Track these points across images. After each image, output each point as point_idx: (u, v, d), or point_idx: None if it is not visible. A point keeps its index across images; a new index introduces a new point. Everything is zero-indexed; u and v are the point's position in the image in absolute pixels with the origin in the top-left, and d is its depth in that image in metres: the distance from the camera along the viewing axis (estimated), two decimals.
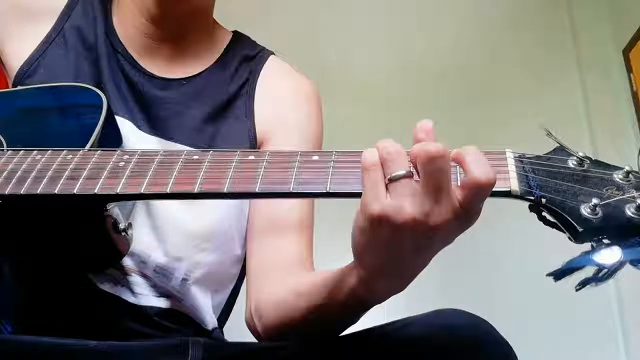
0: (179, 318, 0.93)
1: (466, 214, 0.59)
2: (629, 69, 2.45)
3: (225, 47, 1.08)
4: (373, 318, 0.76)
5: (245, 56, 1.08)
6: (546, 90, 2.39)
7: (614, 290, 2.28)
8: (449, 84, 2.42)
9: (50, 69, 0.99)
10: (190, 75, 1.03)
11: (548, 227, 0.61)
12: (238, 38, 1.11)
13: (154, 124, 0.97)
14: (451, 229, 0.59)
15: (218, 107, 1.01)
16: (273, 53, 1.11)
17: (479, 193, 0.58)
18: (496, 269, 2.30)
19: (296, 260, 0.92)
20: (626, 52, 2.47)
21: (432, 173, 0.58)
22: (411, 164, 0.60)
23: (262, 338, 0.88)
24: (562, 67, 2.53)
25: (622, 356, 2.22)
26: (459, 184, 0.59)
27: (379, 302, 0.69)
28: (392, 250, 0.61)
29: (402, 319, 0.76)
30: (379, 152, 0.61)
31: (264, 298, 0.88)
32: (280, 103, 1.04)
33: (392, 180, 0.59)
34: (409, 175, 0.59)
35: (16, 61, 1.01)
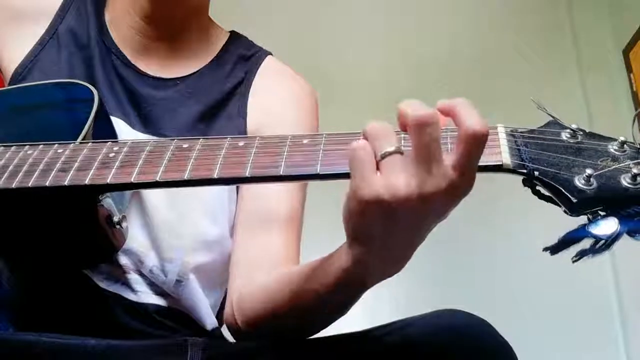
0: (177, 317, 0.93)
1: (460, 180, 0.57)
2: (629, 69, 2.45)
3: (221, 47, 1.07)
4: (373, 319, 0.75)
5: (241, 56, 1.07)
6: (546, 90, 2.39)
7: (614, 291, 2.27)
8: (449, 84, 2.41)
9: (44, 70, 0.98)
10: (185, 74, 1.02)
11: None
12: (235, 38, 1.10)
13: (147, 123, 0.97)
14: (445, 200, 0.58)
15: (211, 105, 1.00)
16: (270, 53, 1.10)
17: (475, 145, 0.56)
18: (496, 269, 2.30)
19: (283, 256, 0.91)
20: (626, 52, 2.47)
21: (423, 141, 0.56)
22: (401, 140, 0.59)
23: (242, 333, 0.86)
24: (562, 68, 2.53)
25: (622, 356, 2.21)
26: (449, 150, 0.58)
27: (374, 282, 0.67)
28: (388, 228, 0.59)
29: (401, 319, 0.75)
30: (366, 131, 0.60)
31: (247, 291, 0.86)
32: (275, 103, 1.03)
33: (383, 157, 0.58)
34: (398, 151, 0.58)
35: (11, 64, 1.01)
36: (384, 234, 0.60)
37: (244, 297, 0.86)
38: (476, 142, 0.56)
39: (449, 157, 0.57)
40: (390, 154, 0.58)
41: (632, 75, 2.43)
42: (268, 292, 0.81)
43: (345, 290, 0.69)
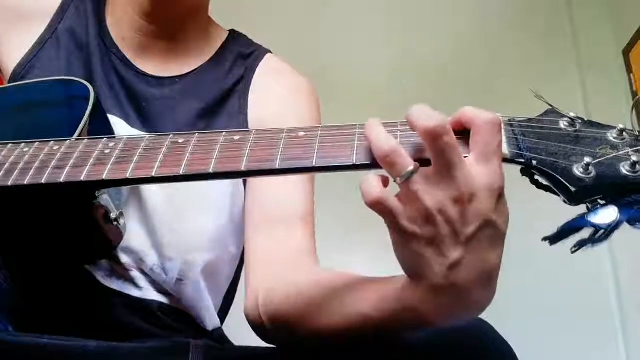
0: (179, 316, 0.93)
1: (487, 172, 0.56)
2: (629, 69, 2.44)
3: (220, 45, 1.07)
4: None
5: (240, 54, 1.07)
6: (546, 90, 2.37)
7: (614, 291, 2.26)
8: (449, 84, 2.41)
9: (44, 69, 0.99)
10: (184, 73, 1.02)
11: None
12: (234, 36, 1.10)
13: (146, 122, 0.97)
14: (482, 199, 0.56)
15: (211, 103, 1.00)
16: (269, 51, 1.10)
17: (491, 131, 0.57)
18: None
19: (303, 249, 0.90)
20: (626, 52, 2.46)
21: (440, 150, 0.55)
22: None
23: (267, 330, 0.84)
24: (562, 67, 2.52)
25: (622, 356, 2.20)
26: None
27: (443, 322, 0.62)
28: (436, 254, 0.57)
29: None
30: (380, 158, 0.58)
31: (276, 287, 0.83)
32: (275, 100, 1.03)
33: (403, 180, 0.57)
34: (416, 169, 0.56)
35: (11, 63, 1.01)
36: (436, 263, 0.57)
37: (273, 294, 0.83)
38: (492, 129, 0.57)
39: (469, 156, 0.57)
40: (410, 174, 0.57)
41: (632, 75, 2.42)
42: (301, 293, 0.77)
43: (403, 324, 0.64)
